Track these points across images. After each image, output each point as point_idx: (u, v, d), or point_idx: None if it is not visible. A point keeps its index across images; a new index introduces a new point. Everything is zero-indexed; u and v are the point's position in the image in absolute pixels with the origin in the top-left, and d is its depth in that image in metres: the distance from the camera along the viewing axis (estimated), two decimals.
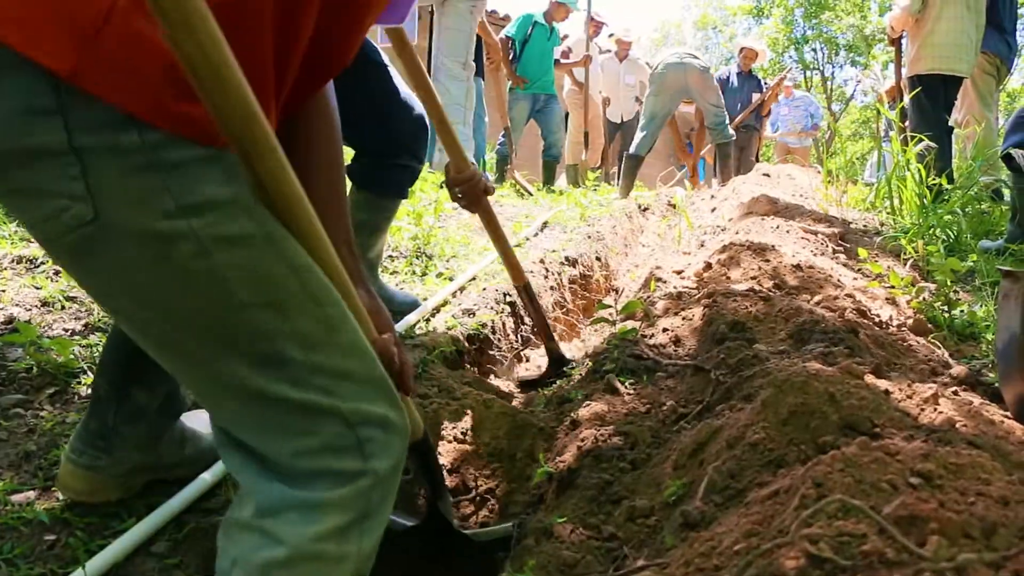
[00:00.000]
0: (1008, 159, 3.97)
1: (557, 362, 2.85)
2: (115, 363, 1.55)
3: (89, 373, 2.04)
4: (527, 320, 3.31)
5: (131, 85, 0.91)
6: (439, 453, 2.05)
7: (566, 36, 10.27)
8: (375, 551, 1.10)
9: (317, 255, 1.05)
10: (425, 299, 3.12)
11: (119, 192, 0.92)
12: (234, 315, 0.99)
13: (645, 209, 6.85)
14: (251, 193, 1.00)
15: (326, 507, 1.02)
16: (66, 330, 2.28)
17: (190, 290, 0.97)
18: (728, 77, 10.44)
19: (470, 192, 2.52)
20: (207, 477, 1.72)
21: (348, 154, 2.42)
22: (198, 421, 1.77)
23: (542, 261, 3.78)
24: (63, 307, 2.41)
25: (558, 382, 2.67)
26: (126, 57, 0.90)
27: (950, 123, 5.52)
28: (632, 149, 7.90)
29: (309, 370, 1.03)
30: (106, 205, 0.92)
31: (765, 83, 11.27)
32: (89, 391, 1.96)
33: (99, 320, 2.35)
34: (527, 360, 3.25)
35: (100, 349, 2.18)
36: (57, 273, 2.62)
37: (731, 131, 8.14)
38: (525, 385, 2.86)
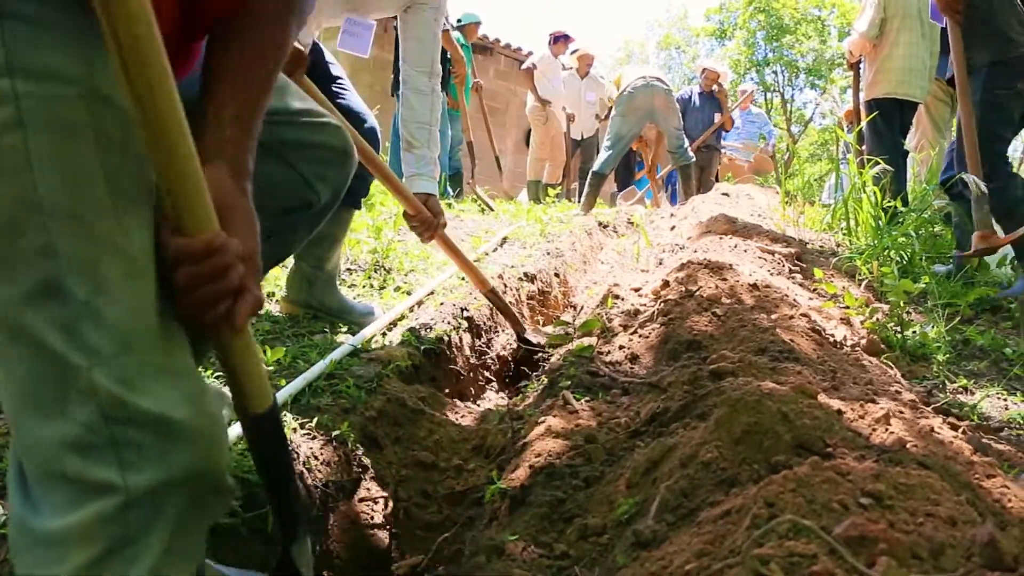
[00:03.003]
0: (947, 187, 4.04)
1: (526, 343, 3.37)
2: None
3: None
4: (485, 333, 3.30)
5: None
6: (402, 472, 2.02)
7: (530, 52, 10.34)
8: None
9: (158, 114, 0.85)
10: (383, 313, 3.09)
11: None
12: (26, 215, 0.83)
13: (605, 226, 6.87)
14: (109, 87, 0.87)
15: (68, 542, 0.83)
16: None
17: None
18: (690, 97, 10.55)
19: (421, 228, 2.84)
20: None
21: None
22: None
23: (500, 276, 3.77)
24: None
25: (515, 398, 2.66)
26: None
27: (906, 147, 5.62)
28: (596, 167, 7.94)
29: (86, 317, 0.84)
30: None
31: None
32: None
33: None
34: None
35: None
36: None
37: (691, 153, 8.32)
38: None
